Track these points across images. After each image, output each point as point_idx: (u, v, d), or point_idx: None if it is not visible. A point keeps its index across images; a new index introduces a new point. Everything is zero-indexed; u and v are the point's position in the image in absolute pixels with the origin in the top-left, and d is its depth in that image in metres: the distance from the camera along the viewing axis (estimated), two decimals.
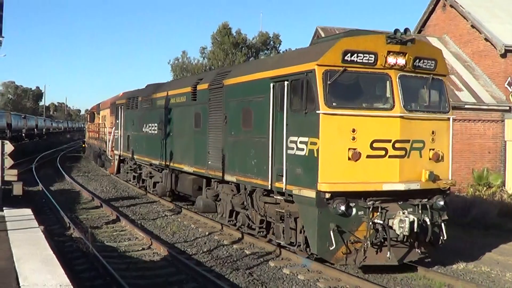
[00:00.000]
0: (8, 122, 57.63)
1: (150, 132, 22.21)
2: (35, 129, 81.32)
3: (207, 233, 15.57)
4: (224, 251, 13.62)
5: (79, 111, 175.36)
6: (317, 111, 10.46)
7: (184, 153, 17.89)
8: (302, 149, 10.94)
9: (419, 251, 11.29)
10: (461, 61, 26.66)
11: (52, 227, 16.13)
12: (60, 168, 36.35)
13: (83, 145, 52.86)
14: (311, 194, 10.59)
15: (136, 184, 25.79)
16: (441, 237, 11.52)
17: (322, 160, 10.46)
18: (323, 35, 25.09)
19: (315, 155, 10.53)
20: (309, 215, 10.84)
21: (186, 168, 17.58)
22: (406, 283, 11.23)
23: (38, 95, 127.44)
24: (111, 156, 32.16)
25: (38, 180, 28.32)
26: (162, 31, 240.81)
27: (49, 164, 40.71)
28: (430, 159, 11.30)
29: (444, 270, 12.20)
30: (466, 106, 23.77)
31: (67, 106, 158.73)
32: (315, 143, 10.55)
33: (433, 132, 11.36)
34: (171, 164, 19.20)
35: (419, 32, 29.91)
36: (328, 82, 10.51)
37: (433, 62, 11.48)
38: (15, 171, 16.08)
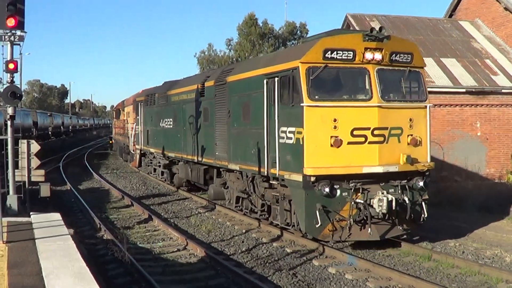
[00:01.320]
0: (34, 120, 59.14)
1: (166, 126, 24.14)
2: (61, 127, 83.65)
3: (244, 231, 15.42)
4: (264, 250, 13.42)
5: (105, 107, 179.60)
6: (301, 104, 12.09)
7: (196, 145, 19.70)
8: (291, 138, 12.60)
9: (401, 228, 12.85)
10: (495, 45, 26.72)
11: (82, 228, 16.02)
12: (88, 166, 37.22)
13: (110, 142, 55.17)
14: (299, 178, 12.25)
15: (157, 177, 27.80)
16: (423, 215, 13.05)
17: (307, 147, 12.09)
18: (353, 23, 25.52)
19: (301, 143, 12.18)
20: (298, 197, 12.51)
21: (198, 159, 19.40)
22: (460, 279, 11.18)
23: (63, 92, 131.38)
24: (133, 150, 34.42)
25: (66, 179, 28.67)
26: (188, 24, 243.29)
27: (76, 162, 41.47)
28: (408, 144, 12.84)
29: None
30: (503, 91, 23.67)
31: (92, 102, 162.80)
32: (300, 133, 12.20)
33: (410, 119, 12.89)
34: (185, 156, 21.08)
35: (450, 16, 29.85)
36: (311, 78, 12.12)
37: (409, 55, 12.99)
38: (42, 172, 16.35)
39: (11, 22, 14.28)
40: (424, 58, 22.29)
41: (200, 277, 11.17)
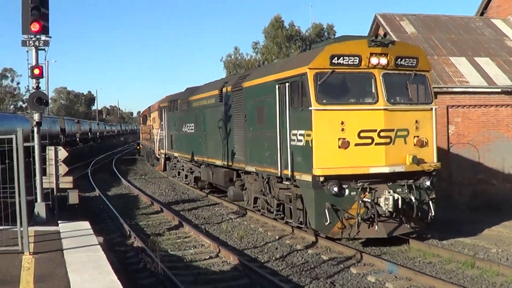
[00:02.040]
0: (62, 127, 59.92)
1: (188, 131, 25.27)
2: (89, 133, 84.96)
3: (277, 237, 15.35)
4: (299, 257, 13.28)
5: (132, 113, 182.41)
6: (310, 108, 12.96)
7: (216, 149, 20.70)
8: (301, 140, 13.48)
9: (408, 226, 13.60)
10: None
11: (112, 236, 16.06)
12: (116, 172, 37.71)
13: (138, 147, 56.71)
14: (309, 178, 13.12)
15: (181, 180, 29.06)
16: (430, 214, 13.77)
17: (315, 149, 12.95)
18: (383, 23, 25.65)
19: (310, 145, 13.05)
20: (308, 196, 13.37)
21: (218, 162, 20.41)
22: None
23: (90, 99, 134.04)
24: (158, 154, 35.92)
25: (94, 185, 29.03)
26: (214, 28, 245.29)
27: (104, 168, 42.26)
28: (414, 145, 13.59)
29: None
30: None
31: (119, 109, 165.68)
32: (309, 135, 13.07)
33: (416, 121, 13.65)
34: (206, 159, 22.12)
35: (481, 14, 29.36)
36: (319, 83, 12.99)
37: (415, 60, 13.76)
38: (70, 178, 16.23)
39: (35, 27, 14.28)
40: (457, 58, 23.28)
41: (234, 286, 11.11)
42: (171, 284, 10.85)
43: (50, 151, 15.67)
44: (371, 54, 13.20)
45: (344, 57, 13.07)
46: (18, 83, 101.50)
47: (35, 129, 15.09)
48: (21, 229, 9.72)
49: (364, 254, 12.87)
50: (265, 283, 11.01)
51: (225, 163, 19.53)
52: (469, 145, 21.94)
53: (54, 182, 15.55)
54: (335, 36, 54.17)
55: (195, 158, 24.14)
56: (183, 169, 28.29)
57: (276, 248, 14.22)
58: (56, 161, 15.66)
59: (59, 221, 13.17)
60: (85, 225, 12.58)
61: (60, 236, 11.28)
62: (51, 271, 8.50)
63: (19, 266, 8.93)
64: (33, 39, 14.60)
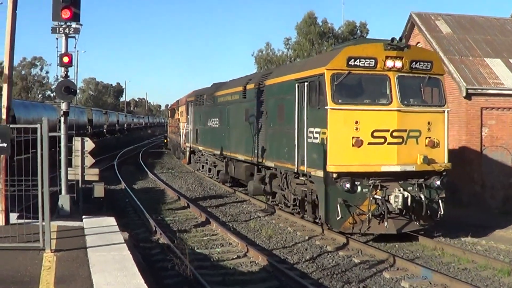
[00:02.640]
0: (89, 118, 61.35)
1: (213, 126, 26.34)
2: (116, 125, 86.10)
3: (306, 238, 15.24)
4: (330, 259, 13.17)
5: (159, 106, 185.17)
6: (326, 107, 13.84)
7: (238, 144, 21.71)
8: (317, 138, 14.36)
9: (417, 223, 14.39)
10: None
11: (137, 231, 15.98)
12: (143, 165, 37.90)
13: (165, 140, 57.99)
14: (322, 174, 14.00)
15: (205, 173, 30.24)
16: (439, 212, 14.53)
17: (330, 146, 13.82)
18: (418, 22, 25.76)
19: (325, 142, 13.92)
20: (321, 192, 14.24)
21: (240, 156, 21.40)
22: None
23: (118, 91, 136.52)
24: (184, 148, 37.16)
25: (120, 178, 29.09)
26: (246, 22, 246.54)
27: (131, 161, 42.51)
28: (426, 145, 14.36)
29: None
30: None
31: (147, 101, 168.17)
32: (324, 133, 13.94)
33: (429, 123, 14.41)
34: (229, 153, 23.14)
35: None
36: (335, 83, 13.86)
37: (429, 63, 14.53)
38: (96, 170, 15.98)
39: (66, 13, 14.03)
40: (492, 59, 23.74)
41: None
42: (198, 285, 10.76)
43: (77, 142, 15.50)
44: (387, 57, 14.00)
45: (361, 59, 13.90)
46: (47, 72, 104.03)
47: (62, 119, 14.93)
48: (43, 223, 9.34)
49: (397, 258, 12.76)
50: (295, 286, 10.89)
51: (246, 157, 20.50)
52: (502, 148, 22.05)
53: (80, 174, 15.40)
54: (368, 35, 54.93)
55: (219, 152, 25.19)
56: (207, 163, 29.46)
57: (306, 249, 14.11)
58: (83, 153, 15.43)
59: (83, 216, 12.92)
60: (111, 221, 12.28)
61: (84, 233, 10.98)
62: (73, 272, 8.16)
63: (40, 264, 8.61)
64: (63, 26, 14.37)
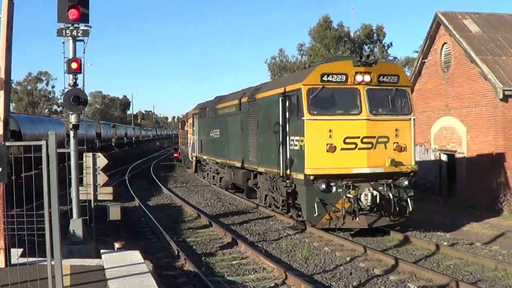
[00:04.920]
0: (97, 131, 63.59)
1: (215, 136, 29.69)
2: (125, 138, 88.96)
3: (348, 259, 14.79)
4: (381, 285, 12.52)
5: (166, 118, 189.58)
6: (303, 118, 16.80)
7: (236, 152, 24.86)
8: (297, 145, 17.34)
9: (388, 219, 17.24)
10: None
11: (157, 255, 15.37)
12: (156, 179, 38.62)
13: (175, 154, 60.43)
14: (301, 176, 16.95)
15: (209, 180, 34.03)
16: (408, 209, 17.38)
17: (307, 152, 16.77)
18: (445, 21, 26.22)
19: (303, 149, 16.88)
20: (301, 192, 17.22)
21: (237, 164, 24.55)
22: None
23: (125, 103, 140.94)
24: (191, 158, 40.73)
25: (133, 194, 28.94)
26: (258, 29, 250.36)
27: (142, 175, 43.12)
28: (394, 150, 17.24)
29: None
30: None
31: (154, 113, 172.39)
32: (302, 140, 16.91)
33: (396, 130, 17.31)
34: (229, 161, 26.37)
35: None
36: (311, 97, 16.83)
37: (396, 77, 17.46)
38: (110, 189, 15.22)
39: (73, 14, 13.28)
40: None
41: None
42: None
43: (88, 158, 15.01)
44: (356, 73, 16.94)
45: (333, 75, 16.88)
46: (53, 87, 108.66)
47: (71, 132, 13.98)
48: (52, 262, 8.12)
49: (461, 283, 11.99)
50: None
51: (243, 164, 23.57)
52: None
53: (92, 193, 14.85)
54: (385, 38, 55.97)
55: (220, 160, 28.60)
56: (210, 171, 33.20)
57: (351, 273, 13.50)
58: (95, 170, 14.87)
59: (102, 251, 12.01)
60: (135, 256, 11.38)
61: (105, 276, 9.87)
62: None
63: None
64: (70, 28, 13.55)
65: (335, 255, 15.39)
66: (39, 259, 9.31)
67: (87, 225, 14.28)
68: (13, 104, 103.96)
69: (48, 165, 8.03)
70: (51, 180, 8.01)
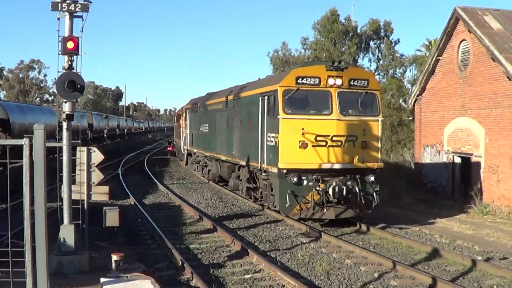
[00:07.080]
0: (89, 122, 65.28)
1: (204, 131, 32.58)
2: (117, 130, 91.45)
3: (376, 275, 13.89)
4: None
5: (158, 110, 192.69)
6: (278, 116, 19.43)
7: (222, 146, 27.69)
8: (273, 141, 19.99)
9: (354, 211, 19.84)
10: None
11: (159, 265, 14.48)
12: (151, 174, 38.46)
13: (169, 148, 62.64)
14: (276, 170, 19.60)
15: (199, 172, 37.29)
16: (374, 203, 20.00)
17: (281, 148, 19.40)
18: (464, 17, 26.14)
19: (277, 145, 19.52)
20: (275, 184, 19.90)
21: (223, 157, 27.34)
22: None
23: (117, 95, 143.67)
24: (183, 151, 43.93)
25: (128, 191, 28.32)
26: (261, 22, 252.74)
27: (136, 169, 42.91)
28: (362, 148, 19.87)
29: None
30: None
31: (146, 105, 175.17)
32: (277, 137, 19.55)
33: (364, 129, 19.92)
34: (215, 155, 29.26)
35: None
36: (286, 97, 19.44)
37: (366, 81, 20.09)
38: (105, 188, 14.08)
39: None
40: None
41: None
42: None
43: (82, 153, 13.68)
44: (329, 76, 19.56)
45: (307, 78, 19.49)
46: (45, 75, 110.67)
47: (64, 123, 12.53)
48: None
49: None
50: None
51: (228, 158, 26.38)
52: None
53: (86, 193, 13.59)
54: (393, 33, 55.93)
55: (208, 154, 31.64)
56: (200, 163, 36.43)
57: None
58: (89, 166, 13.55)
59: (101, 279, 10.78)
60: (147, 285, 10.13)
61: None
62: None
63: None
64: (67, 1, 12.34)
65: (360, 270, 14.50)
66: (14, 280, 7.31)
67: (79, 229, 13.16)
68: (4, 92, 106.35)
69: (31, 170, 6.74)
70: (37, 190, 6.71)
